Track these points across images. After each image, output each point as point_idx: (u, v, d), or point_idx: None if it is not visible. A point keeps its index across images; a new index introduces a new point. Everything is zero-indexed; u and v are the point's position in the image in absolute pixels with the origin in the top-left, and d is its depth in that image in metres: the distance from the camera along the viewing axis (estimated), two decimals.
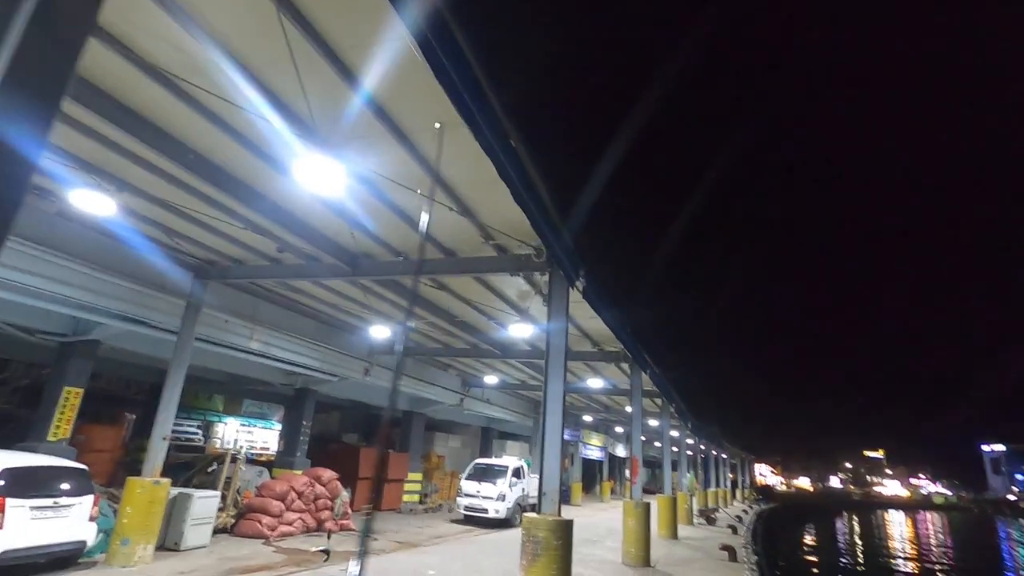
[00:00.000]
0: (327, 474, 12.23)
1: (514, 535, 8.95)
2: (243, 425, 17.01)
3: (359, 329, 12.56)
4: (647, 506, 10.28)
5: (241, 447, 15.05)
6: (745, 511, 29.46)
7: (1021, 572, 24.35)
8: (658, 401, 17.60)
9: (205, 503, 9.06)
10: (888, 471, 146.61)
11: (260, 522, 10.42)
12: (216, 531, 9.77)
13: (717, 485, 31.45)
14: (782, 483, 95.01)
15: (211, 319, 9.88)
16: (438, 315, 10.59)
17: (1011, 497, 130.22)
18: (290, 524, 10.93)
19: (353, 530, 12.24)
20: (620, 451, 34.66)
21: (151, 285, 8.67)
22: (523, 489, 15.85)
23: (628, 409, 17.62)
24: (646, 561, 9.89)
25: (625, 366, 13.00)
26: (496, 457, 18.70)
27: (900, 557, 26.15)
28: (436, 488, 19.43)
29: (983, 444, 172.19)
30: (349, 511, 12.51)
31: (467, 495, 15.38)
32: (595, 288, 6.92)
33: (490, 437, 23.68)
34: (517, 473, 16.17)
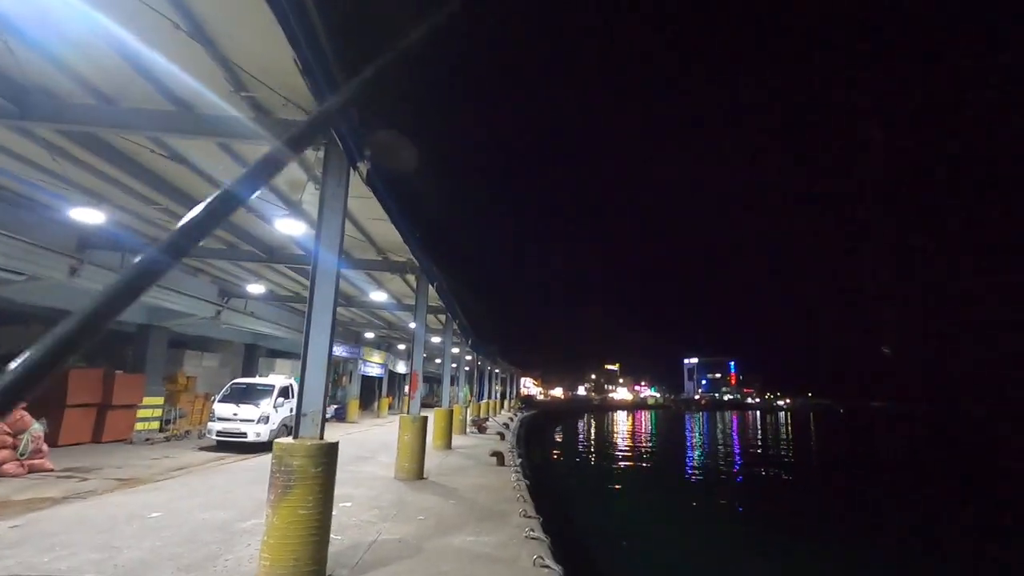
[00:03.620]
0: None
1: None
2: None
3: (59, 211, 9.25)
4: (424, 420, 9.99)
5: None
6: (511, 418, 32.54)
7: (691, 445, 36.80)
8: (442, 318, 17.46)
9: None
10: (620, 380, 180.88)
11: None
12: None
13: (489, 397, 34.00)
14: (541, 393, 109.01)
15: None
16: (175, 199, 8.19)
17: (696, 397, 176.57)
18: None
19: (51, 470, 9.56)
20: (401, 368, 34.78)
21: None
22: (291, 409, 14.47)
23: (412, 325, 17.14)
24: (419, 474, 9.70)
25: (411, 278, 12.24)
26: (262, 377, 16.67)
27: (620, 442, 37.74)
28: (183, 413, 16.72)
29: (684, 359, 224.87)
30: (44, 448, 9.69)
31: (221, 419, 13.43)
32: (383, 174, 5.74)
33: (256, 355, 21.14)
34: (285, 392, 14.67)
